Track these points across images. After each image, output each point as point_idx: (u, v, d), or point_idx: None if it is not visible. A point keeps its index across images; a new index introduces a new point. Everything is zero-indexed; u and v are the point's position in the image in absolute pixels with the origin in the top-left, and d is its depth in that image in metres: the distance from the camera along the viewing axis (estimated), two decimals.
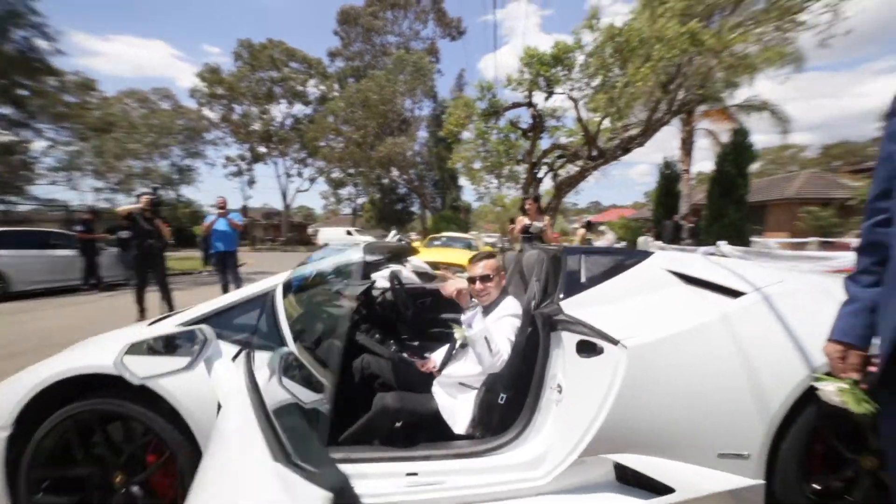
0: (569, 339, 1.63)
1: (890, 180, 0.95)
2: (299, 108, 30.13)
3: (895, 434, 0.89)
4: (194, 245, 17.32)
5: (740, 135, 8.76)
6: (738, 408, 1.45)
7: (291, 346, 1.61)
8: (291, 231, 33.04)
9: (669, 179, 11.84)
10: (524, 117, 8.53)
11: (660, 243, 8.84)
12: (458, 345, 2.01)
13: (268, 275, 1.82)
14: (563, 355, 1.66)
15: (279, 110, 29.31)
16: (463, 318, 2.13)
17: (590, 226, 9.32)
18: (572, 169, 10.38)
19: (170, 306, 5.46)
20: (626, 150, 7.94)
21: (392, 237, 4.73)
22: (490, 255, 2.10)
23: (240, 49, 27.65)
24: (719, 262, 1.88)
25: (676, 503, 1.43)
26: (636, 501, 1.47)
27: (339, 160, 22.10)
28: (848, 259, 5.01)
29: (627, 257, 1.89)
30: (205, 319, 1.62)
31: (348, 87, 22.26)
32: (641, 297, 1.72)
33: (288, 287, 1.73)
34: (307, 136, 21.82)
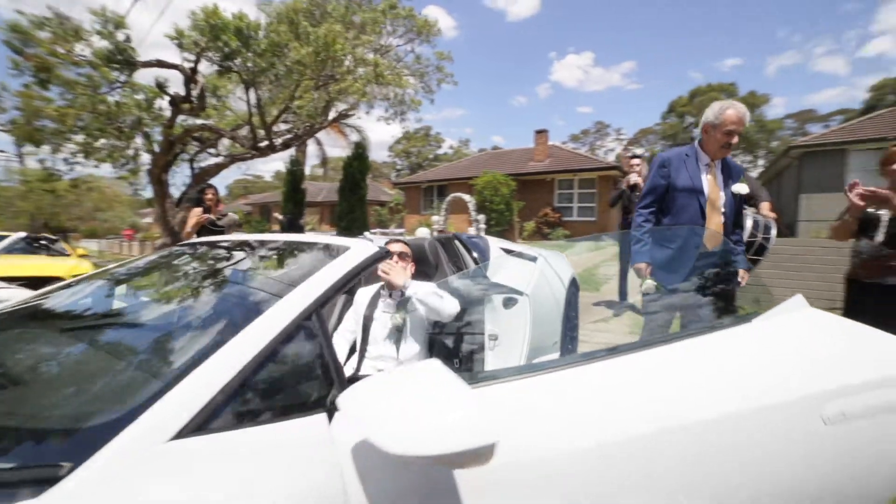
0: (497, 299, 2.26)
1: (657, 193, 2.30)
2: None
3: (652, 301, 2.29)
4: None
5: (360, 147, 11.11)
6: (554, 314, 2.66)
7: None
8: None
9: (296, 176, 12.96)
10: (172, 82, 6.80)
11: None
12: (392, 330, 2.10)
13: None
14: (493, 311, 2.27)
15: None
16: (381, 307, 2.19)
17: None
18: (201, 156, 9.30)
19: None
20: (287, 146, 8.18)
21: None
22: (402, 240, 2.30)
23: None
24: (510, 243, 3.07)
25: None
26: None
27: None
28: None
29: (482, 241, 2.71)
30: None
31: None
32: (502, 266, 2.60)
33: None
34: None
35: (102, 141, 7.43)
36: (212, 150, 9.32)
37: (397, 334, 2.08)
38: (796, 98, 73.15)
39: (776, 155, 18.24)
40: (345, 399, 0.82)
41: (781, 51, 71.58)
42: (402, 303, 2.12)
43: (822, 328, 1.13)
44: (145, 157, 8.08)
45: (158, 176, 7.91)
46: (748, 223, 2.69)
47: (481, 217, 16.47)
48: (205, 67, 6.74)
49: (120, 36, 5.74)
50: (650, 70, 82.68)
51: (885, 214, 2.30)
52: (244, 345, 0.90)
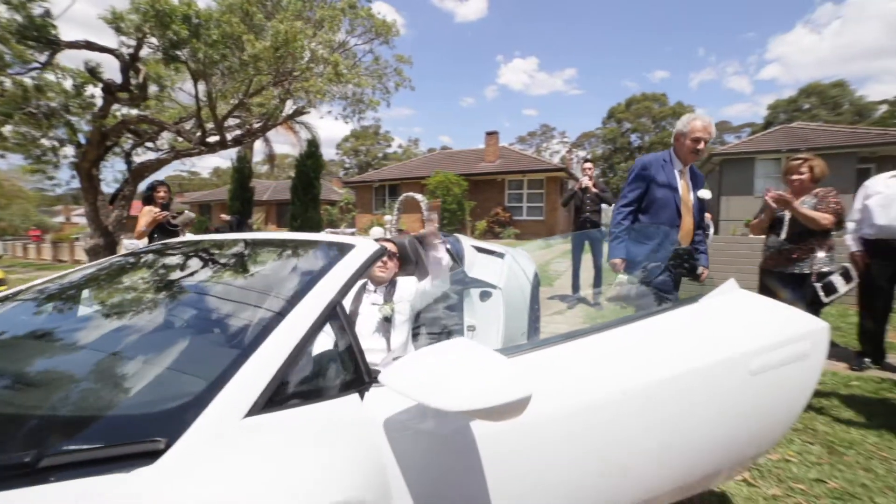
0: (475, 293, 2.45)
1: (638, 193, 2.45)
2: None
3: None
4: None
5: (313, 146, 10.84)
6: (522, 306, 2.90)
7: None
8: None
9: (244, 174, 12.38)
10: (106, 68, 6.22)
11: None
12: (381, 322, 2.23)
13: None
14: (471, 304, 2.45)
15: None
16: (367, 301, 2.30)
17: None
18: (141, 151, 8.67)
19: None
20: (238, 142, 7.80)
21: None
22: (390, 240, 2.43)
23: None
24: (478, 241, 3.27)
25: None
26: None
27: None
28: None
29: (455, 239, 2.88)
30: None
31: None
32: (476, 262, 2.80)
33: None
34: None
35: (10, 128, 6.69)
36: (150, 145, 8.71)
37: (387, 325, 2.21)
38: (714, 110, 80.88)
39: (701, 161, 20.28)
40: (387, 375, 0.96)
41: (701, 68, 78.90)
42: (389, 295, 2.26)
43: (748, 304, 1.43)
44: (69, 149, 7.38)
45: (88, 171, 7.26)
46: None
47: (434, 216, 16.70)
48: (145, 54, 6.31)
49: (36, 9, 5.19)
50: (590, 77, 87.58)
51: (786, 215, 2.80)
52: (286, 334, 1.00)
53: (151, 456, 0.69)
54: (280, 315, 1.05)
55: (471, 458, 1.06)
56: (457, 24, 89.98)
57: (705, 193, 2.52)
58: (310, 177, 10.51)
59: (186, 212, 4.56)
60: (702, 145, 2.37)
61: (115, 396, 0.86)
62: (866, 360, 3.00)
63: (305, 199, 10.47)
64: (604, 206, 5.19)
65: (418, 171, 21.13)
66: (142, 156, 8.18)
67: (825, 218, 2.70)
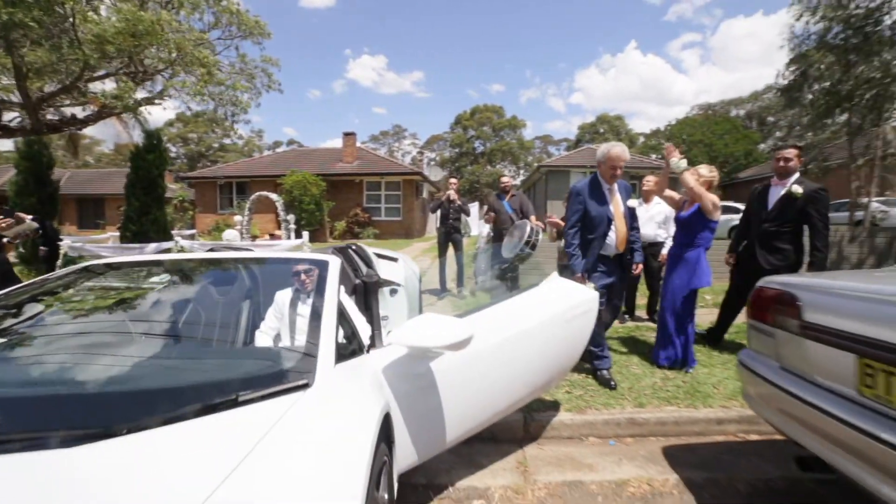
0: (385, 291, 3.12)
1: (578, 216, 3.01)
2: None
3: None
4: None
5: (155, 137, 9.47)
6: (415, 299, 3.69)
7: None
8: None
9: (40, 163, 9.94)
10: None
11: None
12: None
13: None
14: (384, 299, 3.11)
15: None
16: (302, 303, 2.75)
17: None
18: None
19: None
20: (57, 130, 6.44)
21: None
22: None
23: None
24: (374, 247, 3.91)
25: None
26: None
27: None
28: (284, 245, 8.01)
29: (362, 250, 3.49)
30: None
31: None
32: (380, 265, 3.46)
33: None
34: None
35: None
36: None
37: None
38: (539, 124, 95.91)
39: (531, 170, 24.53)
40: (395, 337, 1.63)
41: (529, 86, 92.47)
42: None
43: (563, 285, 2.53)
44: None
45: None
46: (528, 229, 4.29)
47: (291, 217, 16.09)
48: None
49: None
50: (437, 82, 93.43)
51: None
52: (328, 320, 1.61)
53: (303, 388, 1.24)
54: (319, 309, 1.64)
55: (432, 384, 1.80)
56: (301, 8, 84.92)
57: (633, 203, 3.07)
58: (153, 174, 9.12)
59: (28, 220, 3.92)
60: (619, 170, 2.83)
61: (260, 361, 1.43)
62: (626, 315, 4.76)
63: (148, 200, 9.06)
64: (463, 215, 6.31)
65: (271, 168, 19.90)
66: None
67: None
